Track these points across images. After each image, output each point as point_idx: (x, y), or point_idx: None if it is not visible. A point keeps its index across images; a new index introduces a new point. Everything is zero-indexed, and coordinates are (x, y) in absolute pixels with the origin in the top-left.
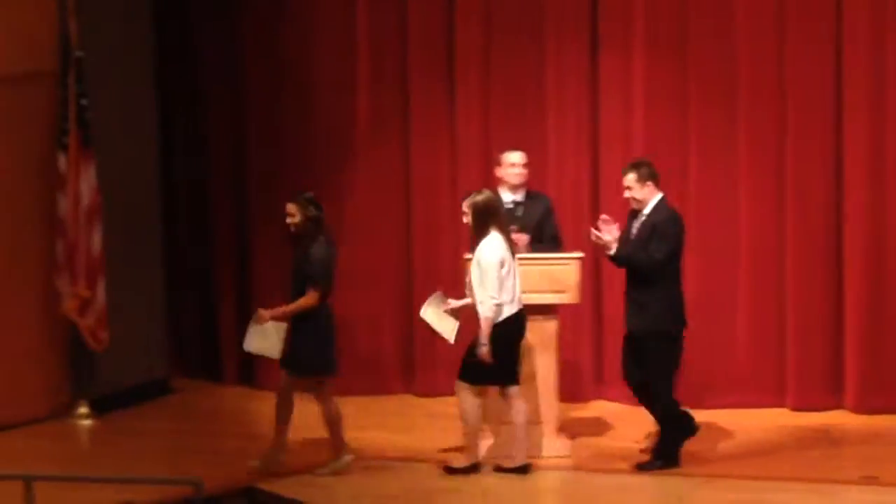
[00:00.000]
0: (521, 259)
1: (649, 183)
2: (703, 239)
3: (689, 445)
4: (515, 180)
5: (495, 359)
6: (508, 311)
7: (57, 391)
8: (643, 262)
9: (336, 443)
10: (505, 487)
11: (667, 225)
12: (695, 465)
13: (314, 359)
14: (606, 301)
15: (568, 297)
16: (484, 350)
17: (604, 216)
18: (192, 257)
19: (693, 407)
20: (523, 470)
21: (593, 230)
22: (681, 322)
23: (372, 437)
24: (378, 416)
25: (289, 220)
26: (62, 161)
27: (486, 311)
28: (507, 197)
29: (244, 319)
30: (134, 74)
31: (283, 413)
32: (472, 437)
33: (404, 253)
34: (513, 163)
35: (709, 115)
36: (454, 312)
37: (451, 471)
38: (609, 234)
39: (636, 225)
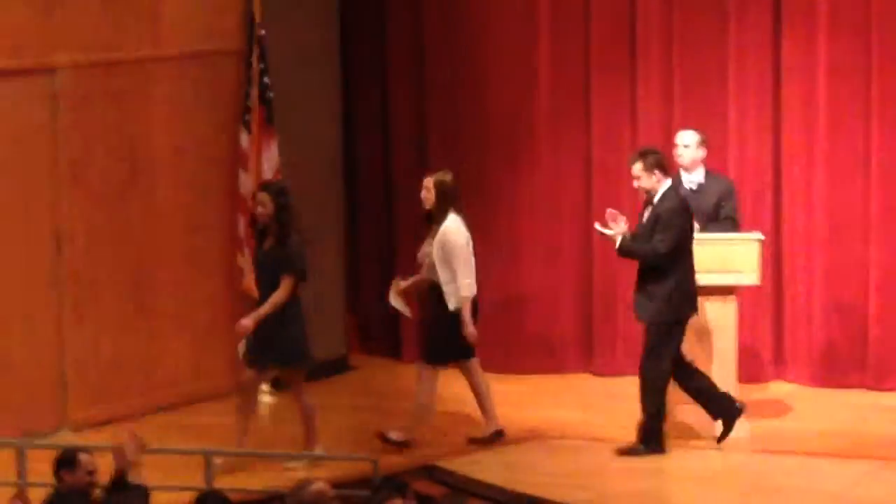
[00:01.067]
0: (697, 239)
1: (657, 171)
2: (890, 220)
3: (860, 427)
4: (683, 161)
5: (457, 336)
6: (475, 289)
7: (240, 366)
8: (647, 254)
9: (310, 435)
10: (682, 468)
11: (671, 214)
12: (874, 448)
13: (300, 348)
14: (786, 282)
15: (747, 279)
16: (471, 330)
17: (610, 210)
18: (372, 235)
19: (875, 388)
20: (499, 435)
21: (597, 225)
22: (687, 309)
23: (548, 416)
24: (554, 395)
25: (259, 210)
26: (245, 139)
27: (465, 292)
28: (685, 178)
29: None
30: (317, 52)
31: (249, 408)
32: (422, 417)
33: (584, 231)
34: (684, 144)
35: (893, 93)
36: (407, 290)
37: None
38: (616, 227)
39: (646, 214)
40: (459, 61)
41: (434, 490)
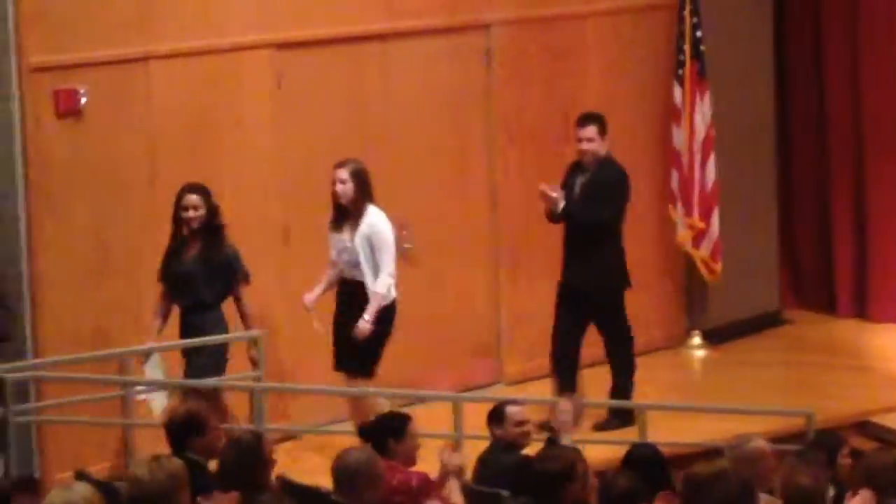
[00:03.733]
0: None
1: (605, 137)
2: None
3: None
4: None
5: (378, 341)
6: (395, 292)
7: (672, 321)
8: (594, 220)
9: None
10: None
11: (617, 182)
12: None
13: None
14: None
15: None
16: (366, 327)
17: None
18: (805, 188)
19: None
20: None
21: (542, 185)
22: (628, 281)
23: None
24: None
25: (192, 215)
26: (678, 93)
27: (381, 289)
28: None
29: (860, 252)
30: (750, 6)
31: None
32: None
33: None
34: None
35: None
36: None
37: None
38: (553, 190)
39: (581, 181)
40: None
41: (866, 445)
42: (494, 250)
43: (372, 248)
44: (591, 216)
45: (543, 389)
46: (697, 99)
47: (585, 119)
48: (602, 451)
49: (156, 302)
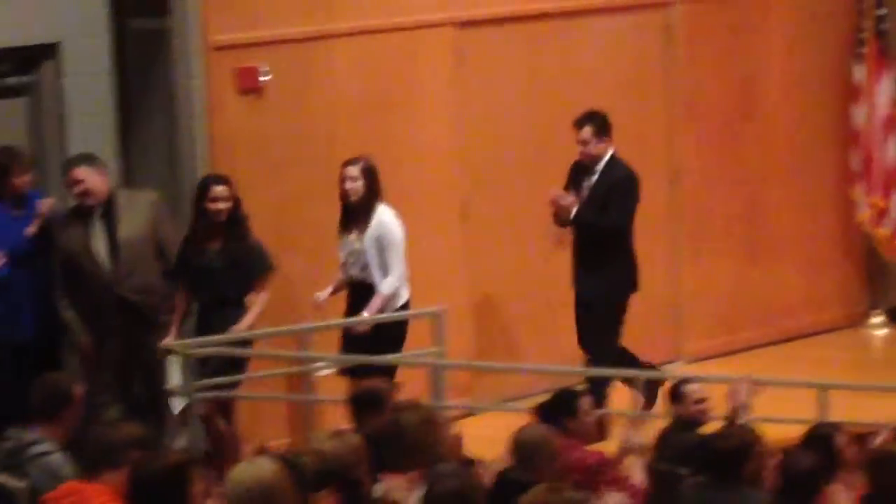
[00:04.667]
0: None
1: (605, 137)
2: None
3: None
4: None
5: (394, 345)
6: (406, 294)
7: (852, 300)
8: (607, 226)
9: None
10: None
11: (628, 184)
12: None
13: None
14: None
15: None
16: (364, 324)
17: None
18: None
19: None
20: None
21: (553, 191)
22: (635, 288)
23: None
24: None
25: (221, 206)
26: (858, 71)
27: (386, 289)
28: None
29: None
30: None
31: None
32: None
33: None
34: None
35: None
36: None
37: None
38: (568, 196)
39: (587, 184)
40: None
41: None
42: (674, 227)
43: (381, 248)
44: (603, 222)
45: (723, 367)
46: (879, 77)
47: (581, 120)
48: (782, 429)
49: (173, 301)
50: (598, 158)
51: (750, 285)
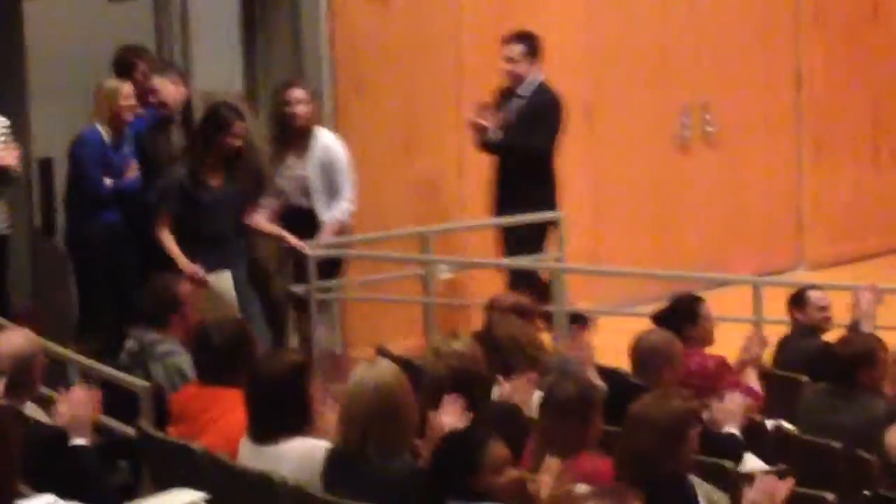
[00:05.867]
0: None
1: (535, 59)
2: None
3: None
4: None
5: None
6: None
7: None
8: (530, 150)
9: None
10: None
11: (553, 110)
12: None
13: None
14: None
15: None
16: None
17: (479, 103)
18: None
19: None
20: None
21: (470, 114)
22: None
23: None
24: None
25: (238, 144)
26: None
27: (340, 214)
28: None
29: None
30: None
31: None
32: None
33: None
34: None
35: None
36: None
37: None
38: (484, 119)
39: (513, 107)
40: None
41: None
42: (797, 132)
43: (329, 173)
44: (527, 145)
45: (845, 274)
46: None
47: (511, 38)
48: None
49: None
50: (522, 79)
51: (873, 192)
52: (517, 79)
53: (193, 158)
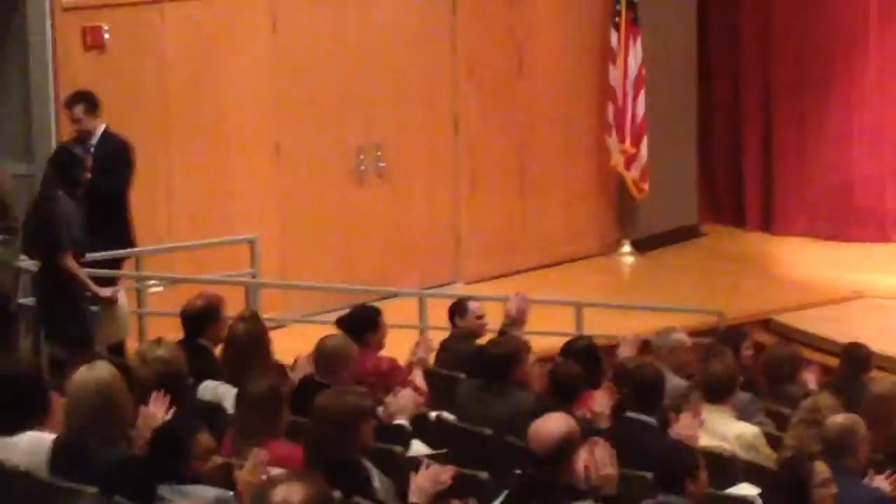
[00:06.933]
0: None
1: (96, 113)
2: None
3: None
4: None
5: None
6: None
7: (605, 232)
8: (111, 191)
9: None
10: None
11: (124, 153)
12: None
13: None
14: None
15: None
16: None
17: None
18: (722, 119)
19: None
20: None
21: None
22: (133, 245)
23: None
24: (880, 262)
25: None
26: (614, 37)
27: None
28: None
29: (766, 177)
30: None
31: None
32: None
33: None
34: None
35: None
36: None
37: None
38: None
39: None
40: None
41: (768, 340)
42: (455, 168)
43: None
44: (105, 187)
45: (497, 288)
46: (631, 42)
47: (72, 100)
48: (547, 342)
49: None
50: (91, 134)
51: (520, 218)
52: (87, 134)
53: None
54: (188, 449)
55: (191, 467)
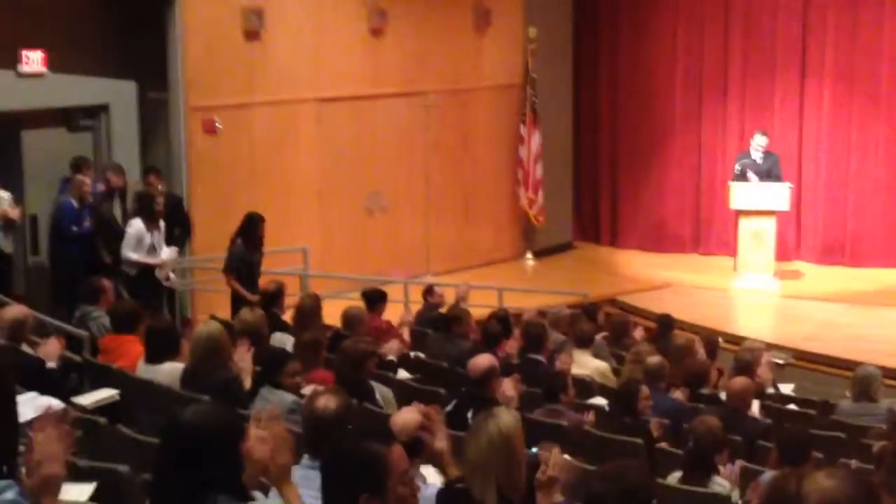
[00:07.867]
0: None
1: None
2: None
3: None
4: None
5: None
6: None
7: (516, 246)
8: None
9: None
10: None
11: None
12: None
13: None
14: None
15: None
16: None
17: None
18: (587, 174)
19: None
20: None
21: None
22: None
23: (673, 277)
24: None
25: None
26: (523, 129)
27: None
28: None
29: (614, 209)
30: (559, 82)
31: None
32: None
33: (696, 182)
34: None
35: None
36: None
37: None
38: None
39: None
40: (639, 76)
41: (614, 311)
42: (426, 205)
43: None
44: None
45: (454, 278)
46: (533, 131)
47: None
48: (477, 311)
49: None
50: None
51: (465, 236)
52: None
53: None
54: (284, 366)
55: (283, 379)
